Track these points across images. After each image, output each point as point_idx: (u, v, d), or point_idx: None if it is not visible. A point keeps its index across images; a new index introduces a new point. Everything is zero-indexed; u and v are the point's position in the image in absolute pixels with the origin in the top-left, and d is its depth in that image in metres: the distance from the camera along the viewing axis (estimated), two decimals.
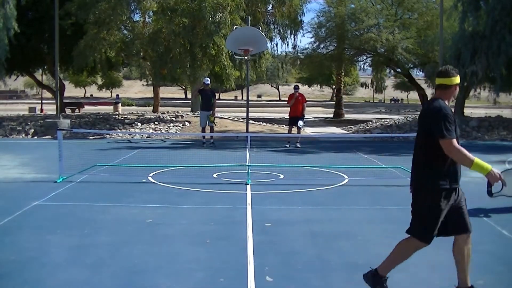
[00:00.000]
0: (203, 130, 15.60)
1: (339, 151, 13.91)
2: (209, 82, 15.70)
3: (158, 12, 19.85)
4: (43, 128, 18.59)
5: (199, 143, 15.58)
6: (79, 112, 29.75)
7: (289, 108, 15.28)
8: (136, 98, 71.45)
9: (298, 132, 15.34)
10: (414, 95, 61.28)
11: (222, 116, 24.32)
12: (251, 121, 20.38)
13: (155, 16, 20.65)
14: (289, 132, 15.50)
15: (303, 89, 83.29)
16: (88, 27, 19.55)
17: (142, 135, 18.06)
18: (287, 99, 15.67)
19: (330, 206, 7.17)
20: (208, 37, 18.37)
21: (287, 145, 14.94)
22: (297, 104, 14.95)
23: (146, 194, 7.87)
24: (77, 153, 12.43)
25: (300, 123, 14.91)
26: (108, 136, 17.63)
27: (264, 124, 22.86)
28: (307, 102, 15.69)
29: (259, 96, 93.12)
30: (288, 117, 15.49)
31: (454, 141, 3.60)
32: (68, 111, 28.71)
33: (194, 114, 24.38)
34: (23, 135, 18.24)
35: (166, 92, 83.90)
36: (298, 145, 14.78)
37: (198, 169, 10.27)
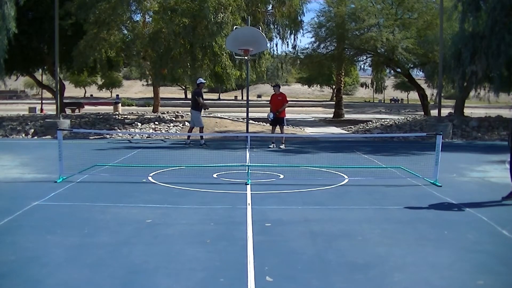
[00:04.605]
0: (192, 130, 15.44)
1: (339, 151, 13.89)
2: (204, 81, 16.18)
3: (158, 12, 19.85)
4: (43, 128, 18.58)
5: (198, 143, 15.51)
6: (79, 112, 29.77)
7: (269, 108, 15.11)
8: (136, 98, 71.45)
9: (281, 132, 15.03)
10: (414, 95, 61.29)
11: (222, 116, 24.33)
12: (251, 121, 20.37)
13: (156, 16, 20.64)
14: (273, 132, 15.34)
15: (303, 89, 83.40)
16: (88, 27, 19.53)
17: (142, 135, 18.05)
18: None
19: (330, 206, 7.17)
20: (210, 37, 18.36)
21: (271, 146, 14.60)
22: (277, 104, 14.75)
23: (146, 194, 7.86)
24: (77, 153, 12.40)
25: (271, 115, 14.75)
26: (108, 136, 17.63)
27: (264, 124, 22.83)
28: (288, 103, 15.28)
29: (259, 96, 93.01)
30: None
31: None
32: (68, 111, 28.71)
33: None
34: (23, 135, 18.23)
35: (166, 92, 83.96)
36: (282, 146, 14.43)
37: (198, 169, 10.26)
